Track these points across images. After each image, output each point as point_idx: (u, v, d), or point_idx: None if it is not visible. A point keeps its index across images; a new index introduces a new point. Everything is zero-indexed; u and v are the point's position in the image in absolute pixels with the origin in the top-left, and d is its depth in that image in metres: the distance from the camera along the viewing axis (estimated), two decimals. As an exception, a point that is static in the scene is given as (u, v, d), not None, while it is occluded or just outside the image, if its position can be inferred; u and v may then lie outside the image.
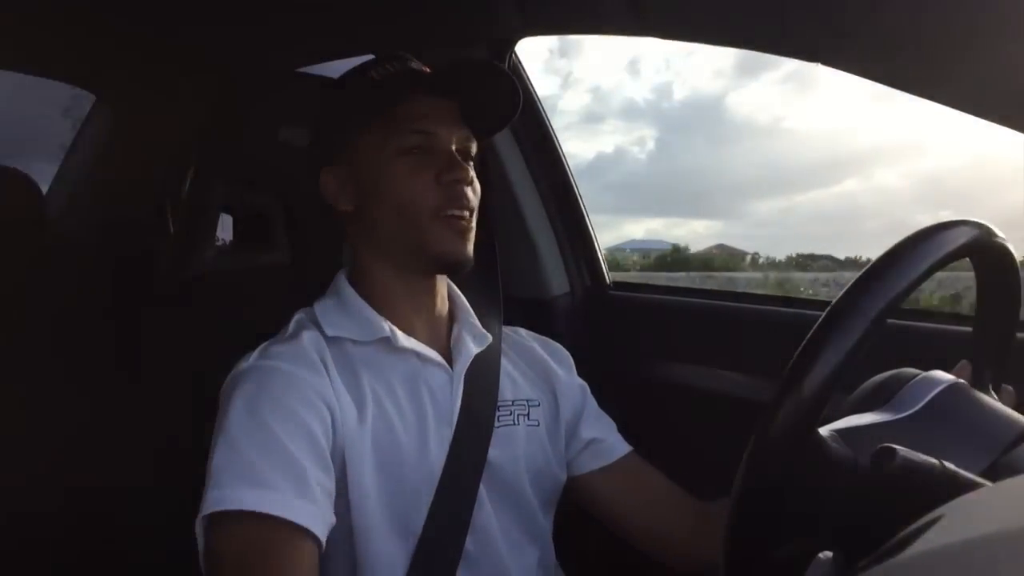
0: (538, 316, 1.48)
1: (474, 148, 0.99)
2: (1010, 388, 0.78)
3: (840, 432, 0.63)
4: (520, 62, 1.56)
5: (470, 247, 0.95)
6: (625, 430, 1.13)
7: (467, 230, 0.95)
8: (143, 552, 1.17)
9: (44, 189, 1.47)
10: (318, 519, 0.80)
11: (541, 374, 1.09)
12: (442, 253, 0.94)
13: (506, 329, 1.11)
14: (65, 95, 1.73)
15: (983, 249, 0.69)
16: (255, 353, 0.91)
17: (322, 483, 0.83)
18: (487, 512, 0.95)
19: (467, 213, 0.94)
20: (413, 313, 0.98)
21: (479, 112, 0.98)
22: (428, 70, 1.00)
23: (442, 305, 1.02)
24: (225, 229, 1.13)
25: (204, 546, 0.79)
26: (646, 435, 1.13)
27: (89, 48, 1.57)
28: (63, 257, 1.42)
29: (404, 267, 0.97)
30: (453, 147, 0.95)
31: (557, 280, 1.60)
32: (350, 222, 1.00)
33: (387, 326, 0.95)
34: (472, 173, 0.95)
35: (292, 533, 0.78)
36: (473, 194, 0.95)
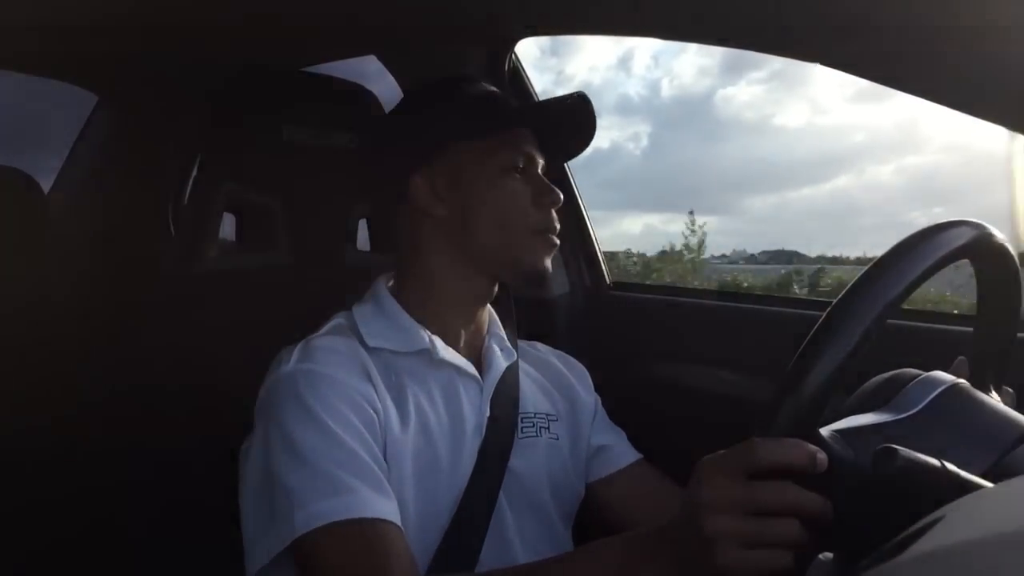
0: (539, 316, 1.48)
1: None
2: (1010, 390, 0.78)
3: (841, 432, 0.64)
4: (520, 63, 1.57)
5: (552, 262, 1.02)
6: (625, 430, 1.13)
7: (555, 247, 1.01)
8: (145, 552, 1.17)
9: (46, 189, 1.47)
10: (396, 510, 0.83)
11: (560, 389, 1.11)
12: (533, 267, 0.99)
13: (524, 343, 1.13)
14: (67, 95, 1.73)
15: (983, 250, 0.69)
16: (294, 355, 0.90)
17: (385, 477, 0.85)
18: (508, 522, 0.96)
19: (554, 234, 1.01)
20: (459, 324, 1.01)
21: (556, 145, 1.05)
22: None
23: (485, 317, 1.05)
24: (228, 229, 1.13)
25: (305, 562, 0.80)
26: (646, 435, 1.13)
27: (90, 48, 1.56)
28: (65, 257, 1.42)
29: (484, 276, 1.01)
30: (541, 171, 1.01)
31: (557, 280, 1.60)
32: (436, 226, 1.00)
33: (427, 337, 0.96)
34: None
35: (382, 527, 0.80)
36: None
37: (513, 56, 1.54)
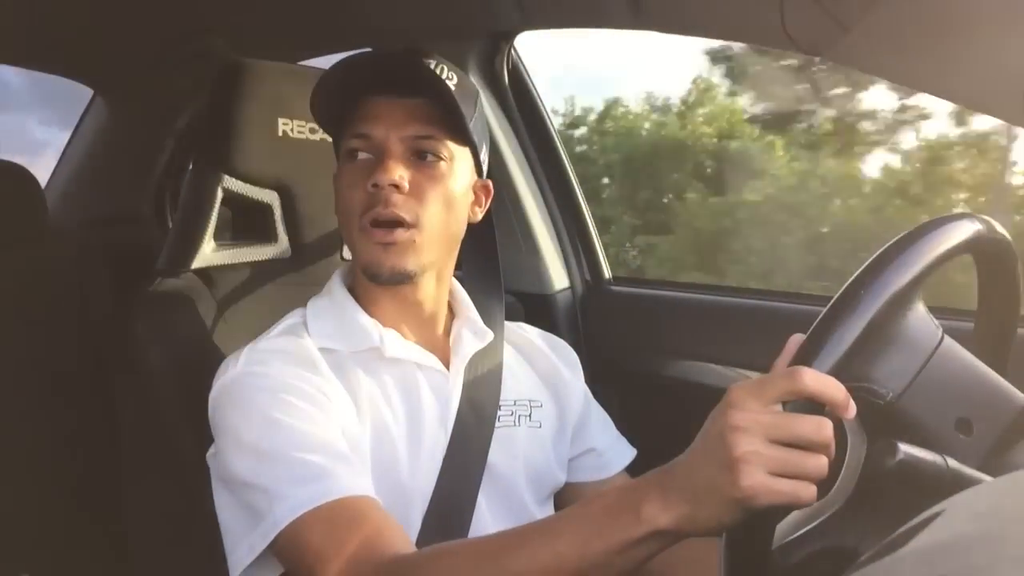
0: (538, 312, 1.47)
1: (437, 147, 0.90)
2: None
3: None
4: (519, 56, 1.56)
5: (393, 258, 0.88)
6: (624, 426, 1.12)
7: (385, 242, 0.87)
8: (143, 549, 1.17)
9: (43, 183, 1.47)
10: (370, 484, 0.81)
11: (545, 374, 1.06)
12: (364, 265, 0.89)
13: (511, 325, 1.09)
14: (63, 90, 1.73)
15: (985, 244, 0.69)
16: (240, 359, 0.87)
17: (355, 455, 0.83)
18: (484, 517, 0.92)
19: (384, 227, 0.87)
20: (402, 316, 0.95)
21: (430, 107, 0.90)
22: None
23: (435, 305, 0.98)
24: (224, 223, 1.12)
25: (294, 553, 0.77)
26: (645, 431, 1.12)
27: (86, 42, 1.56)
28: (61, 251, 1.42)
29: None
30: (396, 148, 0.88)
31: (557, 275, 1.59)
32: None
33: (377, 334, 0.92)
34: (410, 175, 0.88)
35: (363, 503, 0.78)
36: (413, 198, 0.88)
37: (513, 51, 1.54)
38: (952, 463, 0.59)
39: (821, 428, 0.57)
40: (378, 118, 0.89)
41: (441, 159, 0.91)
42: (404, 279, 0.90)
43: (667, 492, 0.61)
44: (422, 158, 0.90)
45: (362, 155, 0.89)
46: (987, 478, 0.59)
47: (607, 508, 0.65)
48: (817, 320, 0.61)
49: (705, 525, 0.59)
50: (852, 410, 0.58)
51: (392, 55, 0.92)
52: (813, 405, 0.58)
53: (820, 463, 0.57)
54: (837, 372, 0.59)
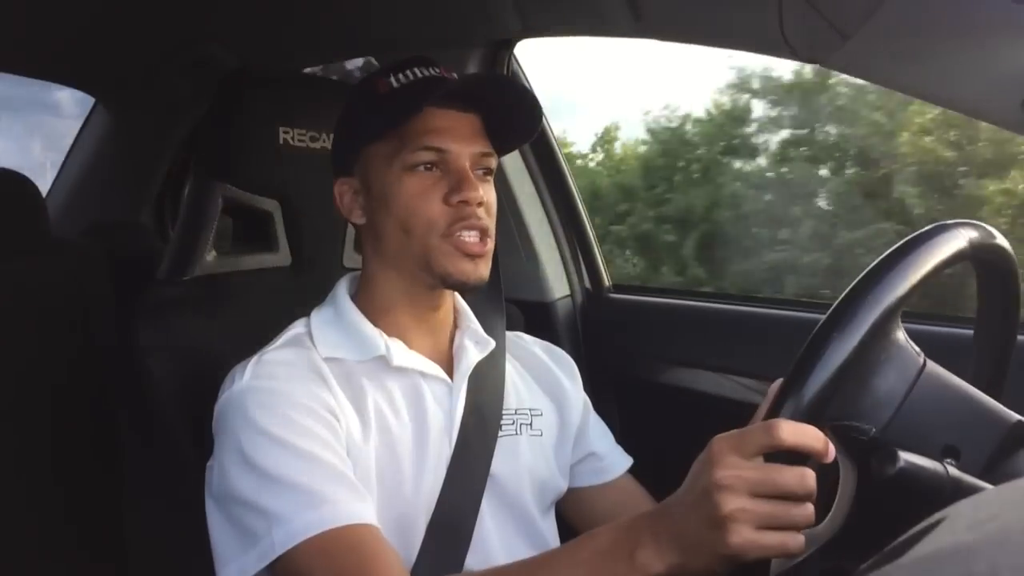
0: (538, 319, 1.48)
1: (494, 163, 0.95)
2: None
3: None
4: (520, 64, 1.56)
5: (482, 267, 0.91)
6: (624, 433, 1.12)
7: (477, 251, 0.90)
8: (141, 551, 1.17)
9: (44, 191, 1.47)
10: (371, 510, 0.80)
11: (545, 382, 1.07)
12: (449, 273, 0.90)
13: (509, 335, 1.09)
14: (65, 98, 1.74)
15: (984, 252, 0.69)
16: (246, 372, 0.87)
17: (358, 474, 0.83)
18: (487, 526, 0.92)
19: (476, 234, 0.90)
20: (415, 326, 0.96)
21: (499, 127, 0.94)
22: (455, 76, 0.96)
23: (446, 317, 0.99)
24: (224, 232, 1.12)
25: None
26: (645, 438, 1.12)
27: (88, 50, 1.56)
28: (62, 260, 1.42)
29: (411, 282, 0.94)
30: (467, 163, 0.91)
31: (557, 283, 1.60)
32: (363, 233, 0.98)
33: (383, 343, 0.92)
34: (484, 192, 0.91)
35: (362, 531, 0.78)
36: (487, 213, 0.91)
37: (513, 58, 1.54)
38: (952, 471, 0.59)
39: (804, 479, 0.59)
40: (450, 132, 0.90)
41: (492, 173, 0.95)
42: (479, 287, 0.93)
43: (660, 539, 0.62)
44: (482, 173, 0.93)
45: (427, 167, 0.90)
46: (988, 486, 0.59)
47: (601, 552, 0.66)
48: (793, 364, 0.61)
49: (698, 573, 0.61)
50: (831, 454, 0.60)
51: (485, 75, 0.94)
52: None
53: (806, 512, 0.59)
54: (816, 414, 0.60)
